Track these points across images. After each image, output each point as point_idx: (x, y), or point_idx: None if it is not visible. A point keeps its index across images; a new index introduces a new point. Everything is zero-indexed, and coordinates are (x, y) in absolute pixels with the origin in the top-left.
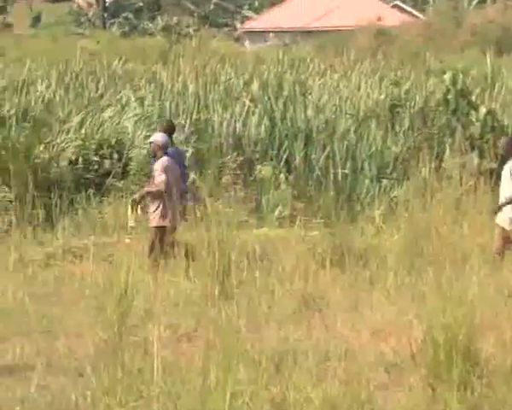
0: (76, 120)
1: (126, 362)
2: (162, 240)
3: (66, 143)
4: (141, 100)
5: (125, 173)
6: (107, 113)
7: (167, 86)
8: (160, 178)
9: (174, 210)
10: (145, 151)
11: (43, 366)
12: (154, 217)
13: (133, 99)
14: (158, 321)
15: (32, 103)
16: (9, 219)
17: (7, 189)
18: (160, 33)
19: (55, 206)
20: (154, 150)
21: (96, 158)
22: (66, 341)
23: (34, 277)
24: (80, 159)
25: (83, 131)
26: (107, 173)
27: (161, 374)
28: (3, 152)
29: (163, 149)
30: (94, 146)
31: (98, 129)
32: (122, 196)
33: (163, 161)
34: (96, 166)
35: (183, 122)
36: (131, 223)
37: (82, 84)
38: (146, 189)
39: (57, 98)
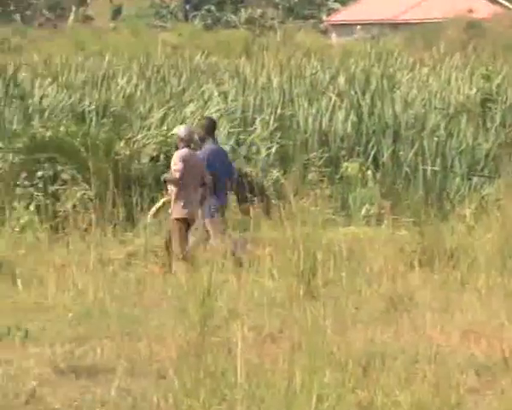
0: (157, 115)
1: (209, 364)
2: (183, 231)
3: (148, 139)
4: (224, 95)
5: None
6: (190, 108)
7: (251, 80)
8: (175, 166)
9: (191, 202)
10: (228, 148)
11: (125, 368)
12: (174, 208)
13: (216, 94)
14: (241, 322)
15: (113, 98)
16: (89, 218)
17: (87, 186)
18: (243, 26)
19: (136, 204)
20: (176, 143)
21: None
22: (148, 342)
23: (115, 276)
24: (161, 155)
25: (164, 126)
26: None
27: (245, 376)
28: (83, 149)
29: (185, 141)
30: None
31: (180, 125)
32: None
33: (181, 152)
34: None
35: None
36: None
37: (163, 78)
38: (164, 176)
39: (138, 93)
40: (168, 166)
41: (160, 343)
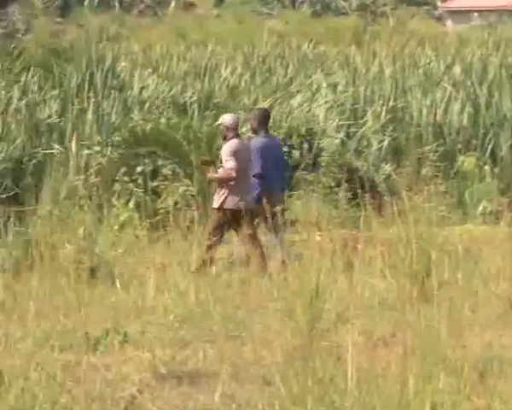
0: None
1: (317, 369)
2: (224, 223)
3: None
4: (333, 86)
5: (315, 165)
6: (297, 100)
7: (361, 70)
8: (228, 164)
9: (245, 193)
10: (338, 141)
11: (228, 373)
12: (220, 198)
13: (324, 85)
14: (351, 325)
15: (216, 89)
16: (191, 215)
17: (189, 182)
18: (354, 12)
19: None
20: (222, 133)
21: (284, 149)
22: (253, 346)
23: (218, 277)
24: None
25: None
26: (297, 165)
27: (355, 383)
28: (185, 142)
29: (232, 130)
30: (282, 135)
31: (287, 117)
32: (313, 190)
33: (231, 143)
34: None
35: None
36: None
37: (269, 68)
38: (217, 176)
39: (242, 84)
40: None
41: (265, 347)
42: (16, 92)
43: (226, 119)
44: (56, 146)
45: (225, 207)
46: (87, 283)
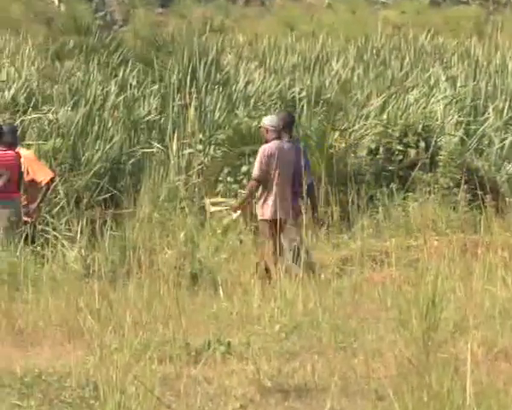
0: (376, 103)
1: (433, 383)
2: (271, 234)
3: (366, 130)
4: (452, 80)
5: (433, 164)
6: (413, 95)
7: (483, 63)
8: (253, 172)
9: (280, 203)
10: (457, 139)
11: (338, 387)
12: (259, 209)
13: (443, 79)
14: (470, 336)
15: (326, 84)
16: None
17: None
18: (474, 2)
19: (352, 203)
20: (262, 135)
21: (399, 147)
22: (365, 358)
23: (327, 284)
24: (381, 148)
25: (384, 115)
26: (413, 165)
27: (474, 398)
28: None
29: (272, 132)
30: (397, 133)
31: (402, 114)
32: (430, 192)
33: (265, 147)
34: (399, 157)
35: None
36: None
37: (384, 61)
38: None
39: (355, 78)
40: (388, 161)
41: (377, 360)
42: (113, 87)
43: (265, 120)
44: (156, 145)
45: (264, 217)
46: (188, 290)
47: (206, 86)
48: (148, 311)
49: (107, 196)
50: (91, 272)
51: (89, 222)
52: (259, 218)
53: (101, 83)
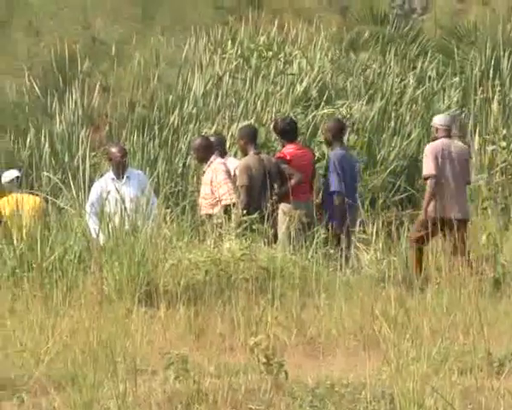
0: None
1: None
2: None
3: None
4: None
5: None
6: None
7: None
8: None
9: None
10: None
11: None
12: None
13: None
14: None
15: None
16: None
17: None
18: None
19: None
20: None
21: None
22: None
23: None
24: None
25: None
26: None
27: None
28: None
29: (443, 130)
30: None
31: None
32: None
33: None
34: None
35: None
36: None
37: None
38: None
39: None
40: None
41: None
42: (411, 80)
43: (439, 118)
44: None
45: None
46: (490, 297)
47: (511, 78)
48: (446, 319)
49: (403, 195)
50: (387, 276)
51: (384, 224)
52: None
53: (398, 75)
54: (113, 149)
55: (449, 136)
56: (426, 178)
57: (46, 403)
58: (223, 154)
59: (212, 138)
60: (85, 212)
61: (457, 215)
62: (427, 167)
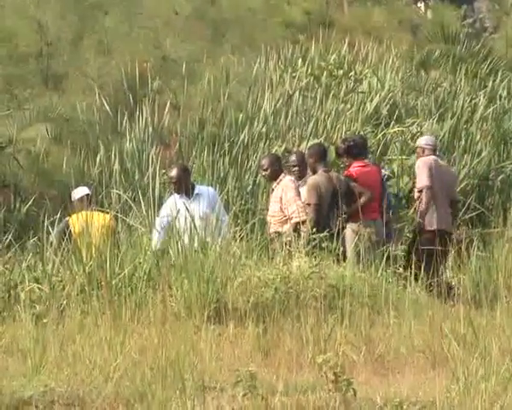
0: None
1: None
2: None
3: None
4: None
5: None
6: None
7: None
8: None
9: None
10: None
11: None
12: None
13: None
14: None
15: None
16: None
17: None
18: None
19: None
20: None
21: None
22: None
23: None
24: None
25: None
26: None
27: None
28: None
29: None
30: None
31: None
32: None
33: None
34: None
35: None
36: None
37: None
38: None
39: None
40: None
41: None
42: (482, 99)
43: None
44: None
45: None
46: None
47: None
48: None
49: (473, 214)
50: (456, 295)
51: (454, 242)
52: None
53: (468, 94)
54: (169, 174)
55: (435, 155)
56: (420, 191)
57: None
58: (305, 171)
59: (293, 157)
60: (153, 226)
61: (449, 228)
62: (422, 179)
